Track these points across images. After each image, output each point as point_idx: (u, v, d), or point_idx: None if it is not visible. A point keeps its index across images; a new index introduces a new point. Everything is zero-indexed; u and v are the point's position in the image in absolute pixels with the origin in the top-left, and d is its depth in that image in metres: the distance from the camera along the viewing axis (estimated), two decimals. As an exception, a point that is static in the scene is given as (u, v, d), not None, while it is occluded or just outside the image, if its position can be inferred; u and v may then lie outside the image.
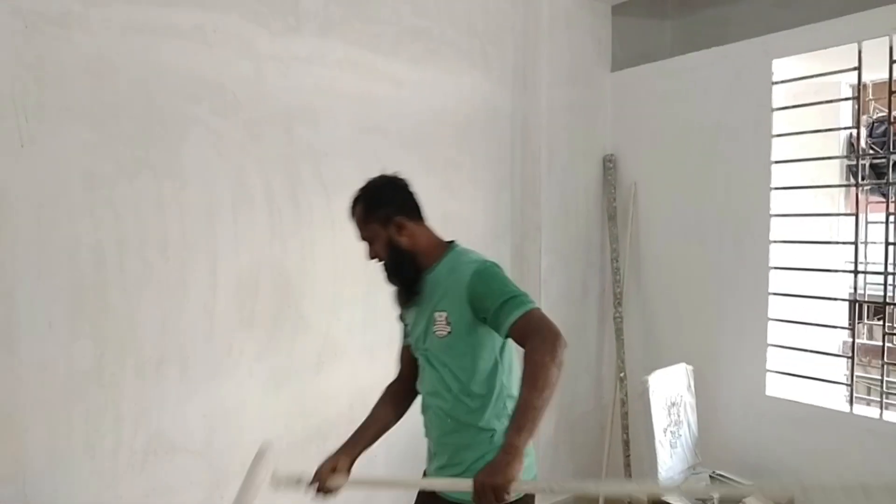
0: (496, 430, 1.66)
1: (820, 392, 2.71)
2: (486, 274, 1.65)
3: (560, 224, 3.26)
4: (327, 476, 1.69)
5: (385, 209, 1.71)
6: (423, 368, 1.77)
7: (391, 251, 1.71)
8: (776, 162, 2.77)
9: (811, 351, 2.72)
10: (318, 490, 1.69)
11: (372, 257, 1.76)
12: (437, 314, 1.67)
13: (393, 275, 1.74)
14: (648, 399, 2.53)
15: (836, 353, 2.80)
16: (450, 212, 2.99)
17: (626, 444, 3.12)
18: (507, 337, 1.59)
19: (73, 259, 2.12)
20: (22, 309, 2.05)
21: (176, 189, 2.29)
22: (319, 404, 2.63)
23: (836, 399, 2.69)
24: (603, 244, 3.42)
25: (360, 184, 1.80)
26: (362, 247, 1.77)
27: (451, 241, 1.79)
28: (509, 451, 1.43)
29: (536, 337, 1.52)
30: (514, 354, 1.71)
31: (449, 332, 1.65)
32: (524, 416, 1.47)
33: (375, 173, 1.83)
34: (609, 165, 3.36)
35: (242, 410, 2.46)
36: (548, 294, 3.20)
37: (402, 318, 1.86)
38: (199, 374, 2.36)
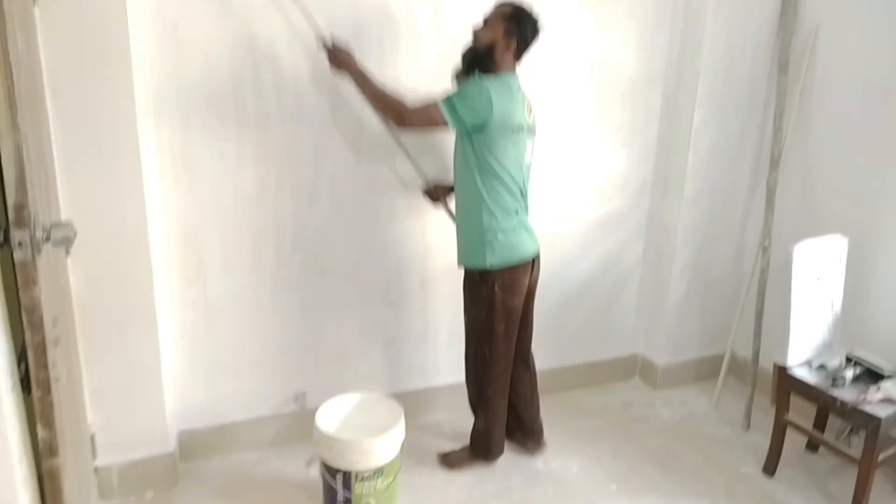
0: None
1: None
2: (468, 82, 2.19)
3: (722, 72, 2.94)
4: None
5: (518, 28, 2.21)
6: None
7: (486, 47, 2.21)
8: None
9: None
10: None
11: (474, 32, 2.25)
12: None
13: (469, 55, 2.24)
14: (791, 269, 2.41)
15: None
16: (597, 52, 2.80)
17: (760, 313, 3.02)
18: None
19: (237, 91, 2.28)
20: (196, 136, 2.27)
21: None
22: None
23: None
24: (768, 98, 3.08)
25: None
26: (477, 22, 2.25)
27: (509, 72, 2.25)
28: (357, 69, 2.21)
29: (404, 105, 2.17)
30: (502, 148, 2.19)
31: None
32: (368, 83, 2.20)
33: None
34: (789, 5, 2.93)
35: (388, 240, 2.66)
36: (696, 150, 2.99)
37: None
38: (348, 205, 2.55)
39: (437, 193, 2.55)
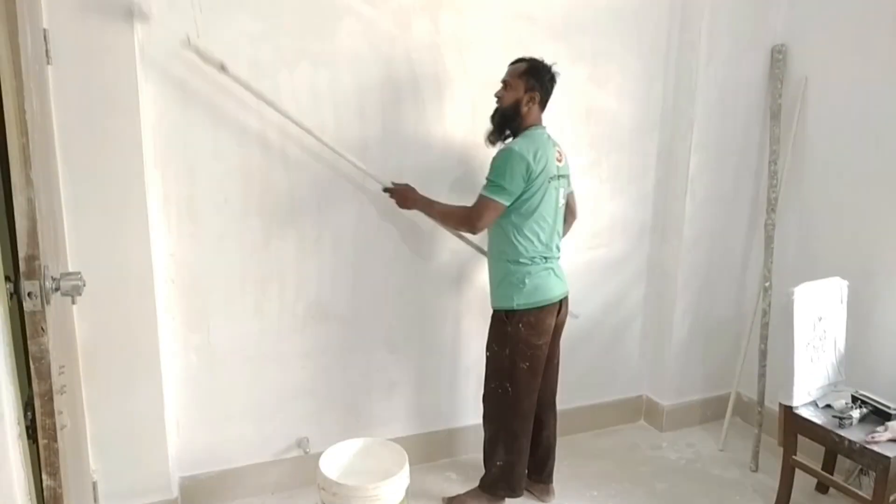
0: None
1: None
2: (498, 156, 2.27)
3: (715, 121, 3.02)
4: None
5: (537, 83, 2.30)
6: None
7: (510, 106, 2.31)
8: None
9: None
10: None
11: (497, 97, 2.34)
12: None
13: (497, 117, 2.34)
14: (793, 311, 2.42)
15: None
16: (594, 104, 2.89)
17: (764, 354, 3.02)
18: None
19: (242, 142, 2.35)
20: (201, 186, 2.33)
21: (331, 78, 2.41)
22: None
23: None
24: (761, 145, 3.15)
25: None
26: (497, 86, 2.34)
27: (536, 125, 2.33)
28: (421, 199, 2.40)
29: (466, 210, 2.32)
30: (536, 198, 2.27)
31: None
32: (434, 206, 2.40)
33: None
34: (778, 57, 3.02)
35: (390, 285, 2.69)
36: (693, 195, 3.05)
37: None
38: (350, 251, 2.59)
39: None
